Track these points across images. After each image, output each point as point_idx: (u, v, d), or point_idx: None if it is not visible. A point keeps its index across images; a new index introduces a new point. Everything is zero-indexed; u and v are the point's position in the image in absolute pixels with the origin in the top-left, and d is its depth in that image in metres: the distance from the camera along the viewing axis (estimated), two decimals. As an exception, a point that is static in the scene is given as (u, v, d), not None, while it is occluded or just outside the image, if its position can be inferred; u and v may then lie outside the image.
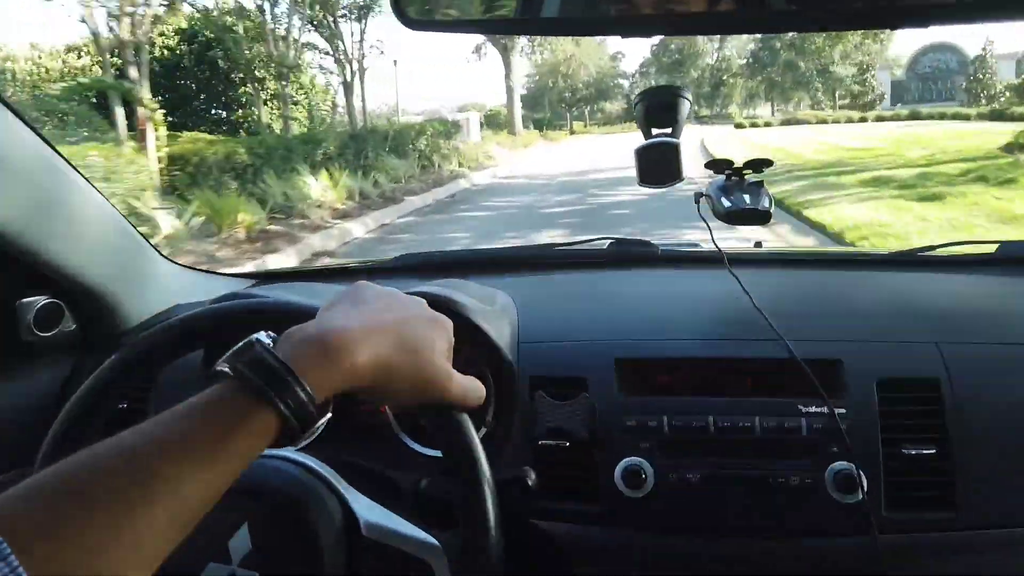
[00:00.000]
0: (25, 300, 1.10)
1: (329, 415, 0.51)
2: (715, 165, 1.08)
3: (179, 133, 10.41)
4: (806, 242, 6.48)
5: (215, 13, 14.24)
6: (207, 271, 1.44)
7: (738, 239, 1.56)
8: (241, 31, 13.49)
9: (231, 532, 0.63)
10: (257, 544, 0.62)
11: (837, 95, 49.99)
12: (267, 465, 0.67)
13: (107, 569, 0.40)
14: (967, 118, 30.36)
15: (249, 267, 6.26)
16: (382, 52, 32.41)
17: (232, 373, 0.49)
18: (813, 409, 0.90)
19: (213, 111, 16.07)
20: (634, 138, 1.04)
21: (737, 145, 21.15)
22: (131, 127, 9.25)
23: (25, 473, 0.67)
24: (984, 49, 44.54)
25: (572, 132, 48.19)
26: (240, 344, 0.51)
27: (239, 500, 0.63)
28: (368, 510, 0.66)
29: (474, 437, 0.61)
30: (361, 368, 0.51)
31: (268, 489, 0.64)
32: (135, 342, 0.67)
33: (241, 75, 14.66)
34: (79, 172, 1.09)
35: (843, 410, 0.89)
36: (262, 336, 0.51)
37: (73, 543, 0.39)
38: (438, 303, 0.98)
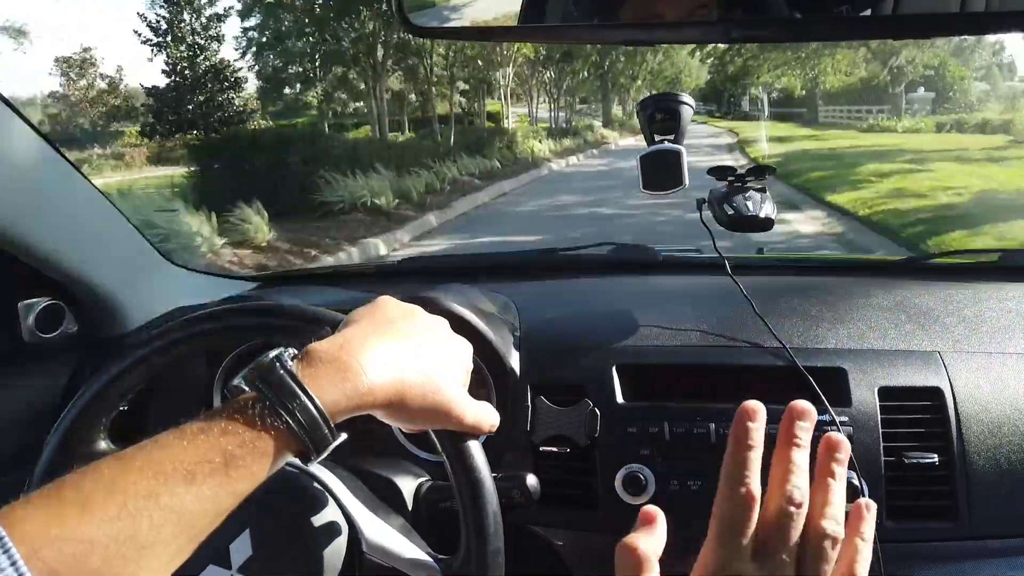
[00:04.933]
0: (27, 301, 1.10)
1: (344, 436, 0.51)
2: (718, 171, 1.08)
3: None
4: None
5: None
6: (211, 273, 1.44)
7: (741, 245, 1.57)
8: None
9: (233, 536, 0.63)
10: (258, 551, 0.62)
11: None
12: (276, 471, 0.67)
13: None
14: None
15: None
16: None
17: (250, 390, 0.49)
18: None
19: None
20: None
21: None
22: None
23: (26, 477, 0.67)
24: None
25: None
26: (258, 360, 0.50)
27: (244, 505, 0.63)
28: (371, 527, 0.66)
29: (484, 464, 0.61)
30: (378, 391, 0.51)
31: (274, 497, 0.64)
32: (138, 343, 0.67)
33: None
34: (82, 173, 1.09)
35: (845, 418, 0.89)
36: (281, 352, 0.51)
37: (79, 555, 0.39)
38: (438, 307, 0.98)
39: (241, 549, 0.62)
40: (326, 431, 0.49)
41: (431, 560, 0.65)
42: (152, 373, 0.67)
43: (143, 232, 1.25)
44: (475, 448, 0.61)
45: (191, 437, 0.45)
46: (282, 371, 0.49)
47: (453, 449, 0.60)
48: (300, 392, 0.48)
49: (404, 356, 0.54)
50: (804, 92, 35.71)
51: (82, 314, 1.17)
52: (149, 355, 0.66)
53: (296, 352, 0.52)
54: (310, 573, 0.62)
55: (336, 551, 0.63)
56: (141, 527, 0.41)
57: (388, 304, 0.59)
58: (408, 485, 0.80)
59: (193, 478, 0.44)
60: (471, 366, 0.61)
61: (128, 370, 0.65)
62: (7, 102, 0.95)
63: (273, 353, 0.51)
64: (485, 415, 0.60)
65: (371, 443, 1.01)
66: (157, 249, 1.30)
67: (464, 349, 0.61)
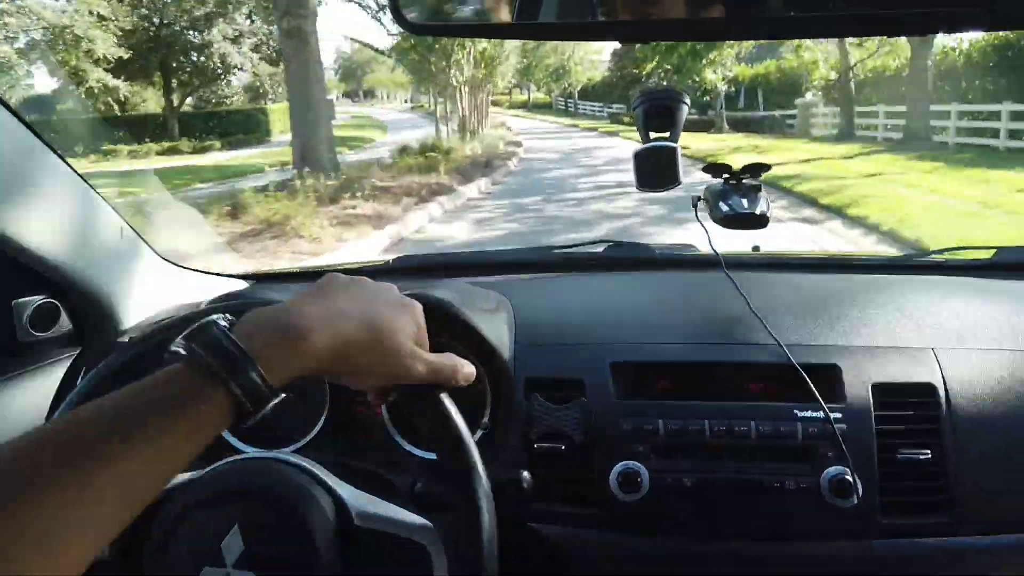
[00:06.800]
0: (21, 300, 1.10)
1: (284, 395, 0.51)
2: (713, 169, 1.08)
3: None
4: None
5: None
6: (204, 271, 1.44)
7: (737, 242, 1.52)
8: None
9: (223, 535, 0.63)
10: (250, 544, 0.62)
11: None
12: (256, 465, 0.67)
13: (55, 544, 0.41)
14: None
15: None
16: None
17: (186, 353, 0.49)
18: (809, 414, 0.90)
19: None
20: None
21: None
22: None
23: None
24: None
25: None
26: (195, 325, 0.51)
27: (228, 502, 0.63)
28: (358, 499, 0.66)
29: (454, 413, 0.61)
30: (320, 349, 0.51)
31: (257, 488, 0.64)
32: (131, 341, 0.67)
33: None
34: (76, 171, 1.09)
35: (839, 415, 0.89)
36: (218, 318, 0.52)
37: (21, 518, 0.40)
38: (434, 305, 0.98)
39: (232, 546, 0.62)
40: (264, 390, 0.49)
41: (423, 519, 0.65)
42: (141, 374, 0.67)
43: (137, 231, 1.25)
44: (441, 399, 0.60)
45: (131, 398, 0.46)
46: (215, 331, 0.49)
47: (420, 405, 0.60)
48: (237, 352, 0.48)
49: (346, 316, 0.54)
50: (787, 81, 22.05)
51: (77, 313, 1.17)
52: (135, 356, 0.66)
53: (233, 319, 0.53)
54: (305, 556, 0.62)
55: (327, 529, 0.63)
56: (84, 490, 0.42)
57: (334, 277, 0.59)
58: (402, 483, 0.80)
59: (134, 440, 0.44)
60: (423, 324, 0.60)
61: (115, 372, 0.65)
62: (1, 100, 0.95)
63: (211, 318, 0.51)
64: (443, 364, 0.59)
65: (364, 442, 1.01)
66: (152, 247, 1.30)
67: (412, 309, 0.60)
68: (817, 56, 19.60)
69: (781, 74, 23.44)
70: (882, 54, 18.02)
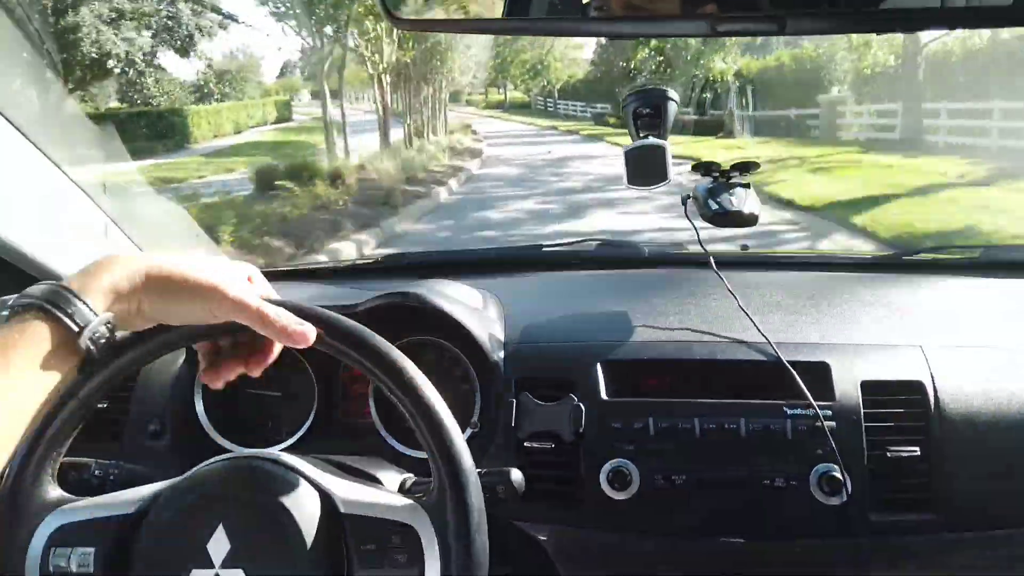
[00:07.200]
0: (2, 298, 1.09)
1: (111, 315, 0.55)
2: (702, 167, 1.08)
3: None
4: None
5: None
6: None
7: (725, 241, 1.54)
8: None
9: (208, 535, 0.62)
10: (235, 543, 0.61)
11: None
12: (238, 464, 0.66)
13: None
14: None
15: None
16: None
17: (11, 303, 0.55)
18: (798, 411, 0.90)
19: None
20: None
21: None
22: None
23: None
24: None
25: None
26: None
27: (213, 502, 0.63)
28: (343, 488, 0.66)
29: (431, 395, 0.62)
30: (130, 268, 0.56)
31: (241, 487, 0.64)
32: (104, 357, 0.66)
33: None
34: (64, 172, 1.08)
35: (828, 412, 0.90)
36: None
37: None
38: (424, 304, 0.98)
39: (219, 546, 0.62)
40: (80, 305, 0.54)
41: (409, 500, 0.65)
42: (125, 373, 0.66)
43: (123, 228, 1.24)
44: (420, 381, 0.62)
45: None
46: (37, 283, 0.55)
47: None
48: (52, 284, 0.54)
49: (164, 256, 0.59)
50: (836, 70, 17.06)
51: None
52: (119, 368, 0.64)
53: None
54: (292, 549, 0.61)
55: (312, 521, 0.63)
56: None
57: None
58: (391, 482, 0.80)
59: None
60: (253, 275, 0.64)
61: (98, 387, 0.64)
62: None
63: None
64: (252, 303, 0.60)
65: (353, 441, 1.01)
66: (138, 246, 1.28)
67: (244, 265, 0.65)
68: (871, 36, 13.61)
69: (796, 65, 18.78)
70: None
